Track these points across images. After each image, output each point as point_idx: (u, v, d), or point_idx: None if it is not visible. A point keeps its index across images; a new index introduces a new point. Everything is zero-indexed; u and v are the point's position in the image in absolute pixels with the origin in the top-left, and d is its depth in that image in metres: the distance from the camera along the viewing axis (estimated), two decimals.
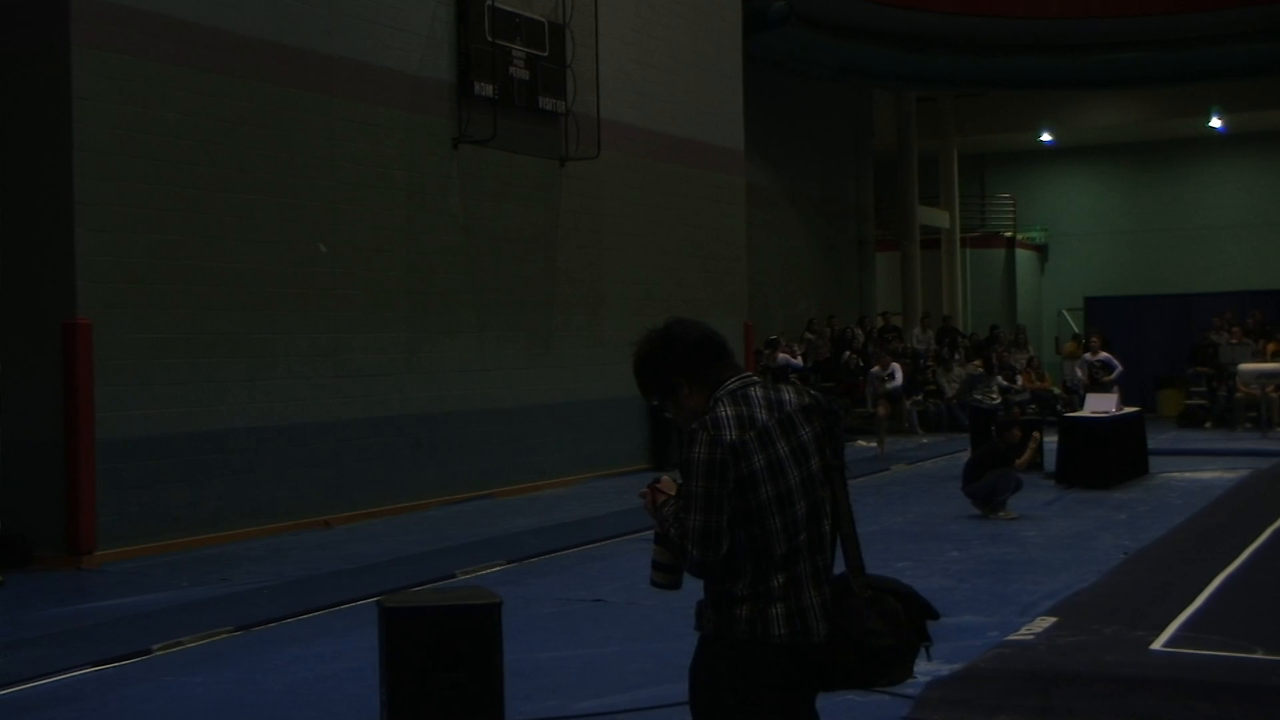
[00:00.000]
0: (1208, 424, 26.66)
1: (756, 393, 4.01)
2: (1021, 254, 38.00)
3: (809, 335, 27.80)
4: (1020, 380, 27.63)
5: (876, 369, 23.41)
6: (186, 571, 12.03)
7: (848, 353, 27.62)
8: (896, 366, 23.58)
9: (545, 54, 17.75)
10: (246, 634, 9.46)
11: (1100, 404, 18.58)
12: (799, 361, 24.83)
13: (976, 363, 27.50)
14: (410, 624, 6.17)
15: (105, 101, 12.72)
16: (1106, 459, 17.24)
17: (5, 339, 12.84)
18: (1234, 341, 28.21)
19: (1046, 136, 36.44)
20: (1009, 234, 38.10)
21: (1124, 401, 19.47)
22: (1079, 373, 25.16)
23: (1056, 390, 28.57)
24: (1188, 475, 18.44)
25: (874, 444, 22.56)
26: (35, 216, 12.71)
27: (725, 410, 3.94)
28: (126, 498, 12.73)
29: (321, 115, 14.94)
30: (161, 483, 13.10)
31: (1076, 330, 33.15)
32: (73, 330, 12.39)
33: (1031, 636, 8.77)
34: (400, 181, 15.98)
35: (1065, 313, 36.63)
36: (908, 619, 4.02)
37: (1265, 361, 26.61)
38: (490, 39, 16.92)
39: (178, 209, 13.35)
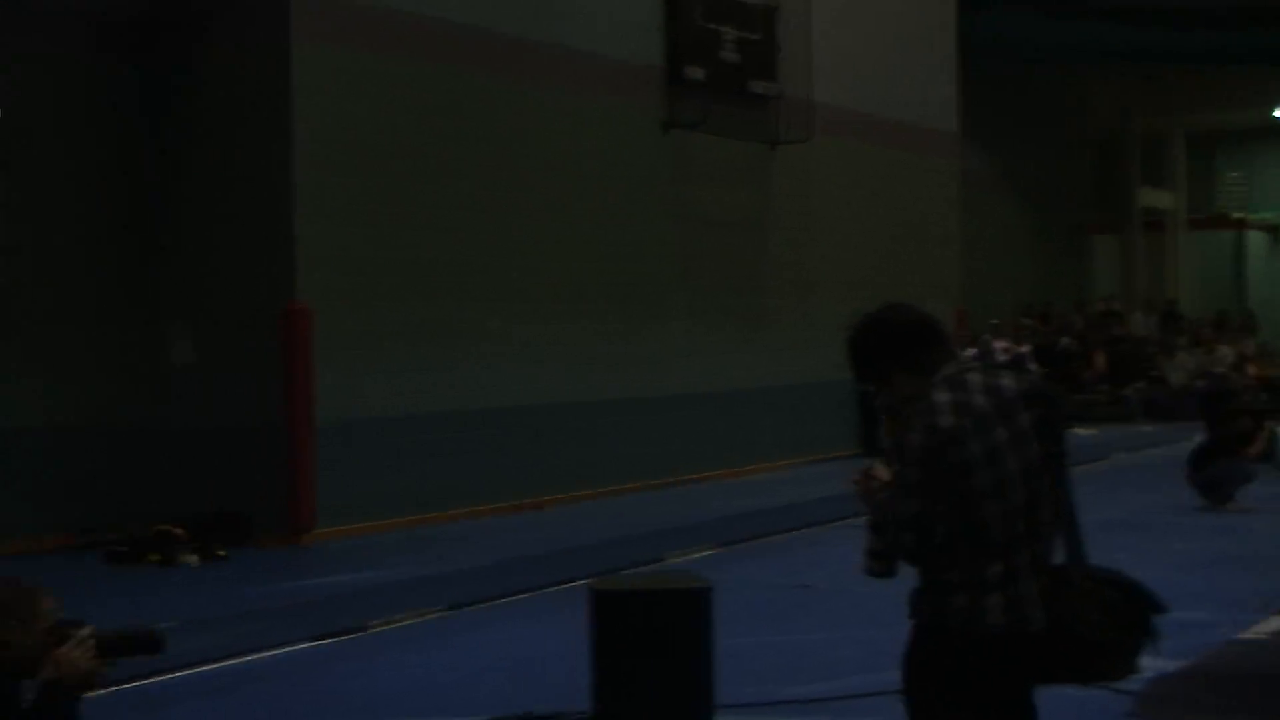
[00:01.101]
0: None
1: (974, 378, 3.90)
2: (1254, 236, 36.45)
3: (1025, 321, 27.19)
4: (1251, 369, 26.59)
5: None
6: (401, 551, 12.26)
7: (1065, 339, 26.93)
8: None
9: (756, 37, 17.63)
10: (458, 614, 9.59)
11: None
12: (1007, 354, 23.52)
13: (1224, 346, 26.43)
14: (621, 607, 6.15)
15: (323, 93, 13.03)
16: None
17: (229, 324, 13.25)
18: None
19: None
20: (1239, 215, 36.60)
21: None
22: None
23: None
24: None
25: (1090, 431, 21.87)
26: (257, 206, 13.09)
27: (941, 396, 3.84)
28: (344, 478, 13.02)
29: (534, 102, 15.07)
30: (378, 464, 13.38)
31: None
32: (293, 315, 12.72)
33: (1264, 636, 8.39)
34: (611, 167, 16.04)
35: None
36: (1131, 612, 3.86)
37: None
38: (701, 23, 16.86)
39: (393, 196, 13.61)
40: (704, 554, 11.77)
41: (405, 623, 9.28)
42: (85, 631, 4.26)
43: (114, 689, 6.71)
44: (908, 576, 3.94)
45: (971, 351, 21.56)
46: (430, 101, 13.99)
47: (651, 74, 16.60)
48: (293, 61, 12.80)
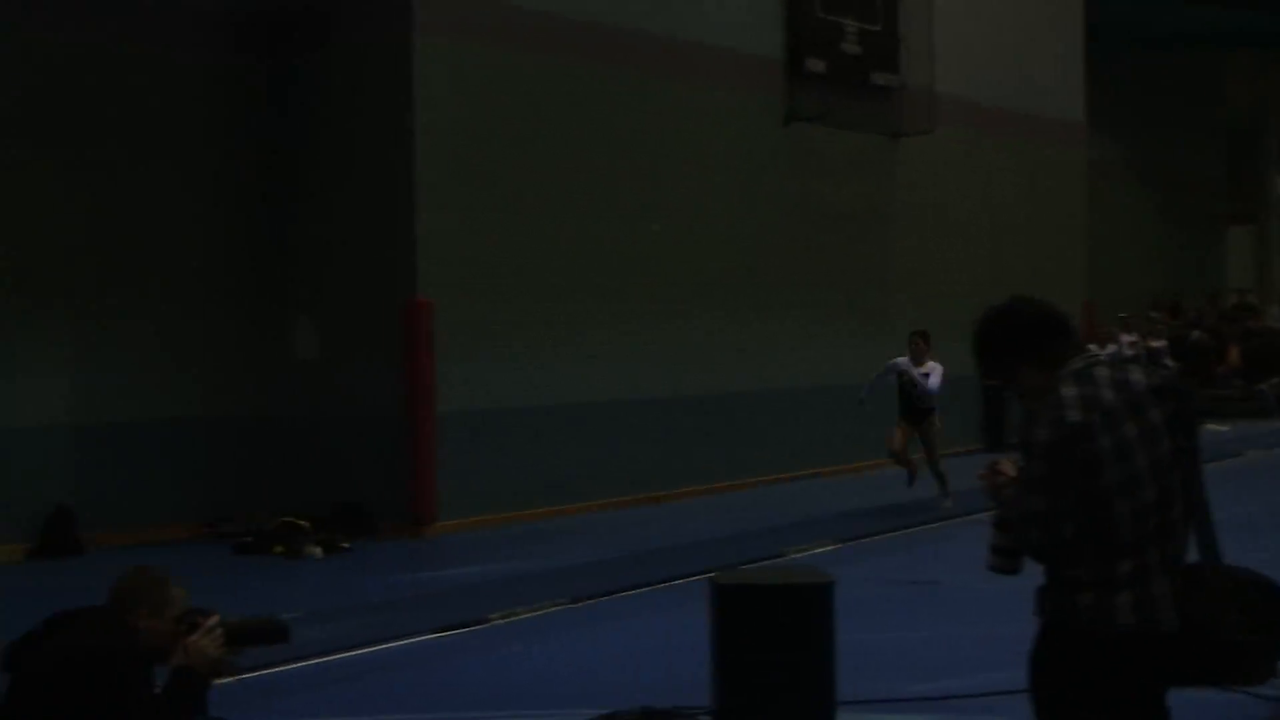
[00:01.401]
0: None
1: (1102, 373, 3.82)
2: None
3: (1154, 314, 26.65)
4: None
5: (904, 360, 14.35)
6: (522, 543, 12.32)
7: (1196, 332, 26.35)
8: (936, 365, 14.24)
9: (877, 28, 17.47)
10: (578, 607, 9.61)
11: None
12: (1134, 348, 23.07)
13: None
14: (742, 601, 6.10)
15: (445, 88, 13.13)
16: None
17: (352, 318, 13.41)
18: None
19: None
20: None
21: None
22: None
23: None
24: None
25: (1223, 428, 21.33)
26: (380, 201, 13.23)
27: (1069, 390, 3.77)
28: (465, 471, 13.12)
29: (655, 97, 15.07)
30: (498, 457, 13.46)
31: None
32: (415, 309, 12.84)
33: None
34: (730, 160, 15.99)
35: None
36: (1271, 613, 3.75)
37: None
38: (822, 15, 16.75)
39: (514, 191, 13.68)
40: (825, 549, 11.69)
41: (526, 615, 9.32)
42: (213, 620, 4.33)
43: (239, 677, 6.81)
44: (1034, 573, 3.87)
45: (1111, 348, 20.97)
46: (551, 96, 14.04)
47: (772, 67, 16.52)
48: (415, 57, 12.92)
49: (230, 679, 4.57)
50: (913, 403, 14.19)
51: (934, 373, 14.12)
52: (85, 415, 12.66)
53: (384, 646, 8.49)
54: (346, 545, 12.24)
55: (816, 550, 11.62)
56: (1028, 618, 3.90)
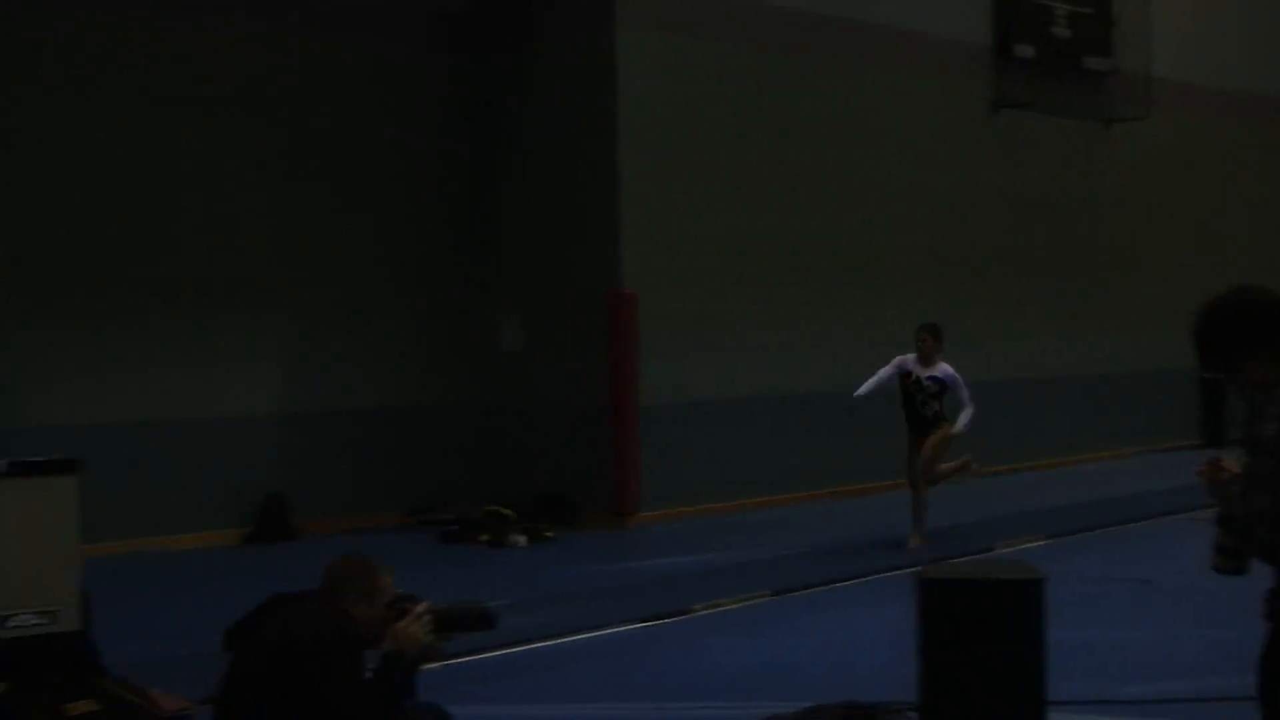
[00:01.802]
0: None
1: None
2: None
3: None
4: None
5: (910, 358, 11.85)
6: (724, 535, 12.30)
7: None
8: (947, 367, 11.81)
9: (1090, 10, 17.00)
10: (781, 599, 9.55)
11: None
12: None
13: None
14: (949, 596, 5.98)
15: (647, 80, 13.15)
16: None
17: (556, 310, 13.53)
18: None
19: None
20: None
21: None
22: None
23: None
24: None
25: None
26: (583, 193, 13.32)
27: None
28: (668, 462, 13.14)
29: (859, 84, 14.90)
30: (701, 448, 13.45)
31: None
32: (618, 300, 12.89)
33: None
34: (938, 148, 15.73)
35: None
36: None
37: None
38: None
39: (715, 181, 13.65)
40: (1034, 544, 11.43)
41: (729, 607, 9.29)
42: (422, 607, 4.38)
43: (444, 663, 6.92)
44: (1262, 575, 3.70)
45: None
46: (753, 85, 13.98)
47: (980, 52, 16.20)
48: (618, 49, 12.98)
49: (436, 665, 4.62)
50: (917, 410, 11.74)
51: (956, 386, 11.59)
52: (297, 405, 13.03)
53: (586, 635, 8.54)
54: (550, 535, 12.36)
55: (1026, 545, 11.38)
56: (1252, 621, 3.73)
